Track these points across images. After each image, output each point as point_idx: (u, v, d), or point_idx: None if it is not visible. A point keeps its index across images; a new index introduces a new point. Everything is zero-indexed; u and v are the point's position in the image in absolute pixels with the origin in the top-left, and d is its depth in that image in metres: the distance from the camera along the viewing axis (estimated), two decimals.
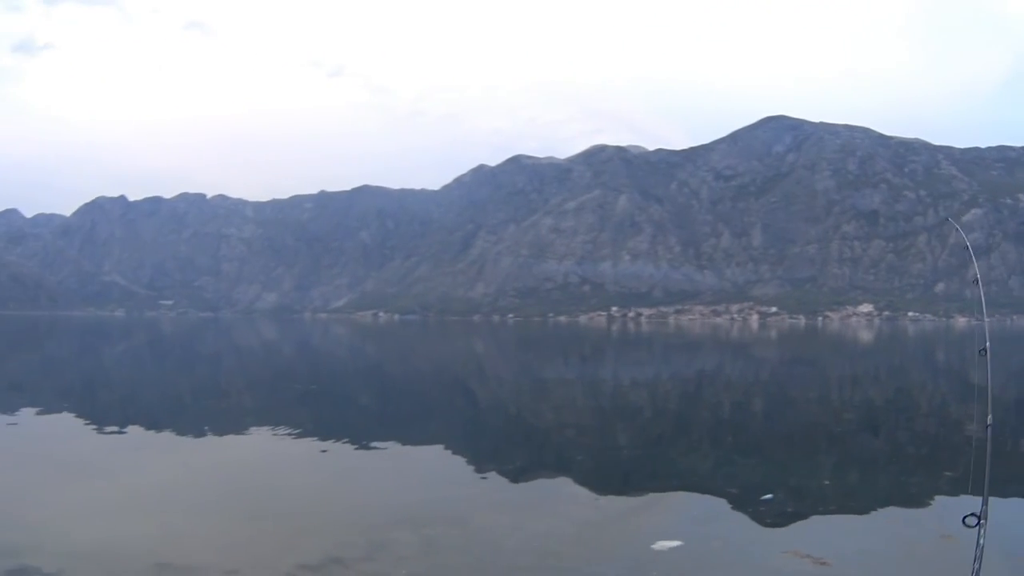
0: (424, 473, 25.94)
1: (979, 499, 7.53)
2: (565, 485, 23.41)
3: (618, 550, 16.81)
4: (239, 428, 35.48)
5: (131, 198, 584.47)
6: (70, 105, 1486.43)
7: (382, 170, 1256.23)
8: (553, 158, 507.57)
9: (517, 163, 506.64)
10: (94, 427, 35.92)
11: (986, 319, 9.58)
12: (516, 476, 24.83)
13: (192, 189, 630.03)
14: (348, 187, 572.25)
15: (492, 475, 25.26)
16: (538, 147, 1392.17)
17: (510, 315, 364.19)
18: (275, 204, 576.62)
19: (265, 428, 35.43)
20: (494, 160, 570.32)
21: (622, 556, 16.36)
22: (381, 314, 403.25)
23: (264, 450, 30.53)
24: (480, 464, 26.84)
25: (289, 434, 33.33)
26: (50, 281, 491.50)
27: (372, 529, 18.70)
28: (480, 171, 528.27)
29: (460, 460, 27.89)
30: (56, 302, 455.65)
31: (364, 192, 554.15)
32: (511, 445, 31.84)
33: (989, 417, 7.48)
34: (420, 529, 18.60)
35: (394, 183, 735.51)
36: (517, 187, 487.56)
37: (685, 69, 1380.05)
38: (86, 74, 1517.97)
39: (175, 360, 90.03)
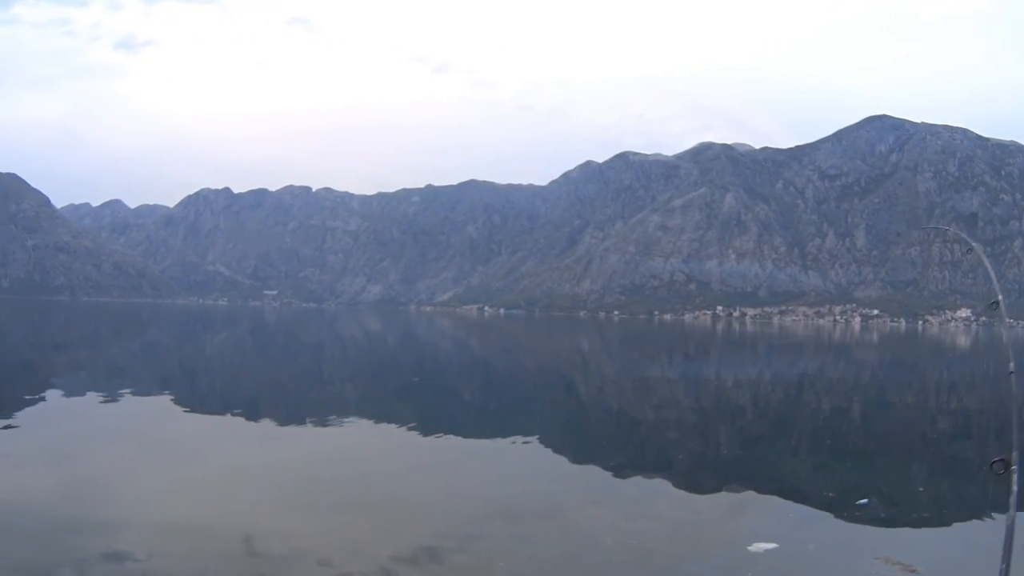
0: (522, 467, 26.04)
1: None
2: (663, 484, 23.32)
3: (713, 550, 16.83)
4: (339, 417, 35.90)
5: (235, 190, 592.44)
6: (173, 100, 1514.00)
7: (489, 164, 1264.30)
8: (660, 155, 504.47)
9: (624, 159, 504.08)
10: (193, 412, 36.85)
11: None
12: (614, 473, 24.76)
13: (297, 182, 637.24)
14: (455, 181, 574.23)
15: (590, 472, 25.30)
16: (644, 143, 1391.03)
17: (615, 312, 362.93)
18: (381, 197, 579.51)
19: (365, 418, 35.82)
20: (601, 156, 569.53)
21: (717, 557, 16.37)
22: (486, 308, 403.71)
23: (363, 440, 30.90)
24: (579, 460, 26.95)
25: (389, 425, 33.68)
26: (153, 270, 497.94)
27: (467, 521, 18.87)
28: (587, 167, 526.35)
29: (559, 456, 27.90)
30: (159, 290, 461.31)
31: (471, 186, 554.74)
32: (611, 442, 31.68)
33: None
34: (515, 523, 18.74)
35: (501, 177, 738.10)
36: (624, 183, 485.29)
37: (789, 66, 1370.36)
38: (188, 69, 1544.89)
39: (277, 349, 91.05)
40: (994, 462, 6.50)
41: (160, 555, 16.06)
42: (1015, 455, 6.44)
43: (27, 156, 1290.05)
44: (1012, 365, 8.37)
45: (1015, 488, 5.97)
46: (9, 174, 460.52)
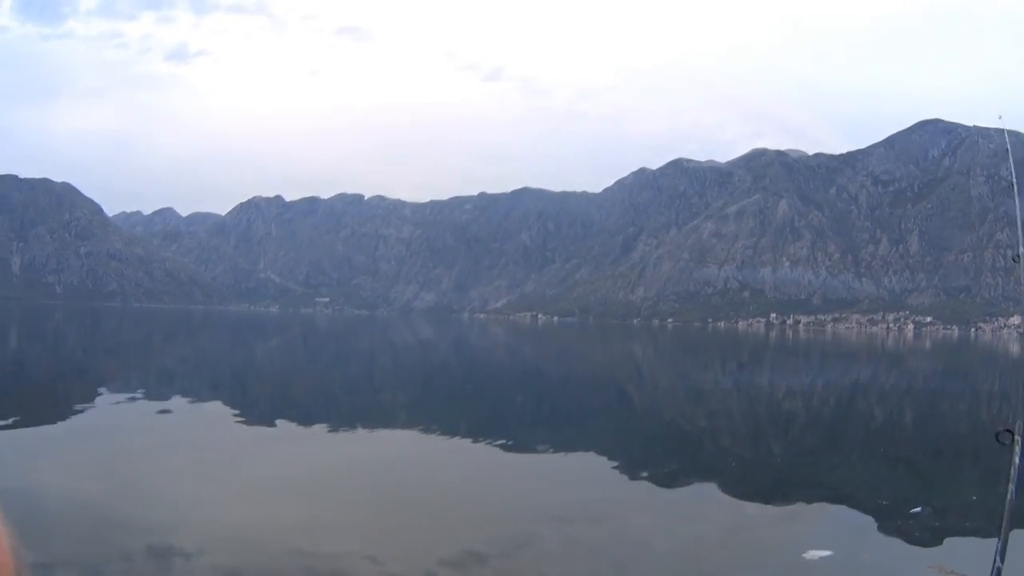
0: (574, 474, 26.00)
1: None
2: (716, 491, 23.19)
3: (767, 558, 16.81)
4: (390, 424, 36.25)
5: (287, 198, 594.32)
6: (224, 109, 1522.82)
7: (542, 172, 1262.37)
8: (713, 161, 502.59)
9: (678, 166, 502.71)
10: (244, 417, 37.04)
11: None
12: (667, 481, 24.69)
13: (349, 190, 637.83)
14: (508, 189, 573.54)
15: (643, 479, 25.22)
16: (697, 150, 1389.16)
17: (669, 320, 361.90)
18: (434, 205, 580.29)
19: (416, 425, 35.92)
20: (654, 163, 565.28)
21: (771, 563, 16.40)
22: (540, 316, 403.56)
23: (413, 446, 30.99)
24: (632, 468, 26.84)
25: (440, 431, 33.80)
26: (204, 277, 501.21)
27: (516, 527, 18.85)
28: (641, 174, 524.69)
29: (612, 463, 27.75)
30: (210, 297, 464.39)
31: (525, 194, 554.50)
32: (664, 450, 31.56)
33: None
34: (565, 528, 18.68)
35: (554, 185, 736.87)
36: (678, 190, 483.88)
37: (841, 71, 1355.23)
38: (240, 79, 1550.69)
39: (329, 355, 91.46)
40: (999, 432, 6.37)
41: (209, 554, 16.29)
42: (1019, 425, 6.40)
43: (80, 166, 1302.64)
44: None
45: (1016, 460, 5.91)
46: (63, 183, 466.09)
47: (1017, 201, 8.66)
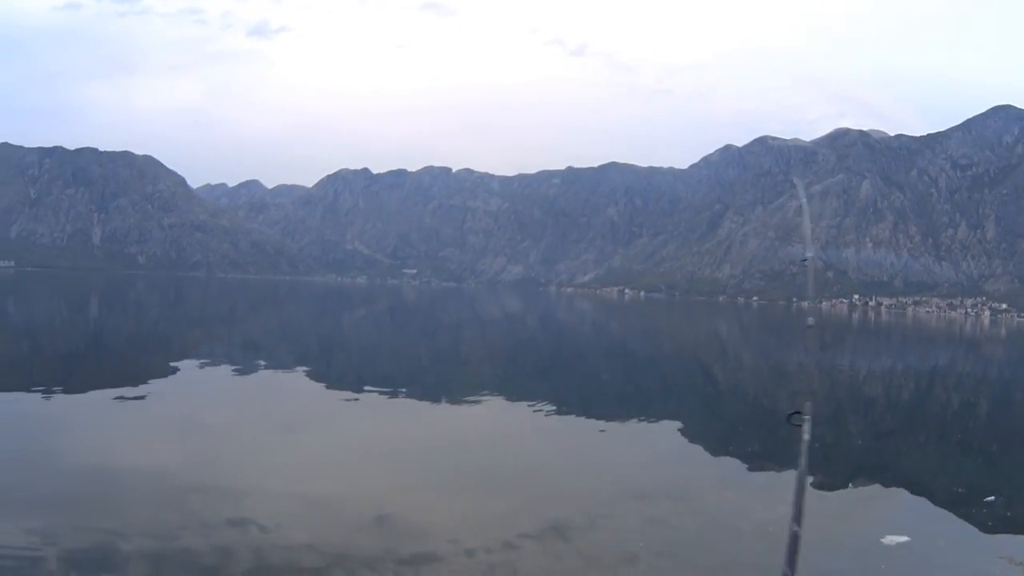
0: (656, 450, 26.20)
1: None
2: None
3: (847, 541, 16.75)
4: (475, 396, 36.30)
5: (374, 171, 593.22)
6: (308, 83, 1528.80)
7: (628, 147, 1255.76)
8: (798, 140, 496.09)
9: (764, 144, 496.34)
10: (328, 388, 37.60)
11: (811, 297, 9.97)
12: (748, 460, 24.87)
13: (436, 163, 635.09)
14: (595, 163, 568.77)
15: (723, 457, 25.53)
16: (782, 128, 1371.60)
17: (755, 298, 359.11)
18: (522, 179, 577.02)
19: (502, 397, 36.34)
20: (739, 140, 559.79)
21: (851, 547, 16.36)
22: (627, 291, 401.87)
23: (498, 419, 31.38)
24: (714, 446, 27.07)
25: (525, 404, 33.93)
26: (291, 248, 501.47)
27: (597, 503, 18.94)
28: (728, 151, 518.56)
29: (694, 440, 27.92)
30: (296, 268, 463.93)
31: (612, 169, 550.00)
32: (747, 428, 31.70)
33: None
34: (645, 505, 18.83)
35: (640, 160, 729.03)
36: (764, 168, 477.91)
37: (917, 55, 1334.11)
38: (323, 54, 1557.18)
39: (416, 327, 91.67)
40: (791, 415, 7.20)
41: (287, 524, 16.54)
42: (807, 406, 6.83)
43: (163, 139, 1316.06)
44: (811, 320, 8.83)
45: (805, 436, 6.38)
46: (145, 156, 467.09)
47: (804, 214, 9.19)
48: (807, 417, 6.67)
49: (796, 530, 5.72)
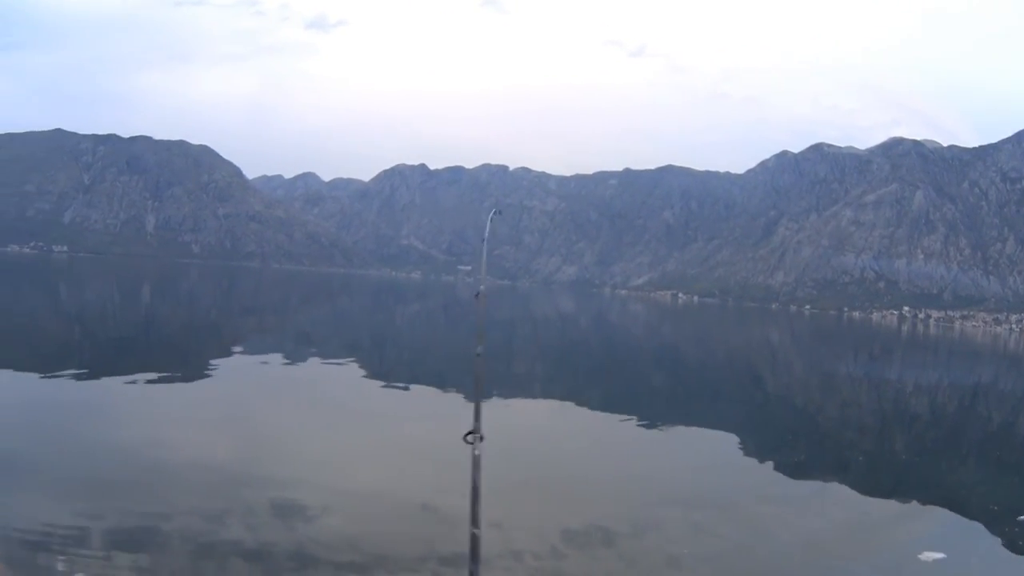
0: (703, 457, 26.32)
1: None
2: (839, 485, 23.19)
3: (883, 555, 16.84)
4: (526, 394, 36.88)
5: (431, 167, 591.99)
6: (366, 78, 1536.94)
7: (684, 150, 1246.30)
8: (853, 147, 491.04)
9: (819, 151, 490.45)
10: (378, 380, 38.07)
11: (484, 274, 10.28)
12: (794, 471, 24.93)
13: (493, 160, 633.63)
14: (651, 166, 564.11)
15: (769, 466, 25.54)
16: (836, 135, 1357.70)
17: (807, 306, 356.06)
18: (579, 179, 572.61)
19: (552, 396, 36.82)
20: (795, 146, 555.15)
21: (888, 561, 16.48)
22: (680, 295, 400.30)
23: (547, 417, 31.73)
24: (760, 454, 27.10)
25: (575, 405, 34.48)
26: (346, 241, 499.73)
27: (642, 506, 19.25)
28: (783, 157, 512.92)
29: (741, 448, 27.97)
30: (351, 261, 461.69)
31: (669, 172, 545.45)
32: (792, 438, 31.57)
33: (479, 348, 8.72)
34: (689, 511, 18.97)
35: (696, 163, 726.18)
36: (819, 176, 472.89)
37: (973, 65, 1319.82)
38: (381, 49, 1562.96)
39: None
40: (466, 435, 7.58)
41: (332, 514, 16.90)
42: (477, 425, 7.27)
43: (218, 130, 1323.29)
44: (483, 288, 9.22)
45: (476, 453, 6.82)
46: (200, 146, 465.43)
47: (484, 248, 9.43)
48: (479, 436, 7.78)
49: (476, 532, 6.25)
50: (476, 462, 6.45)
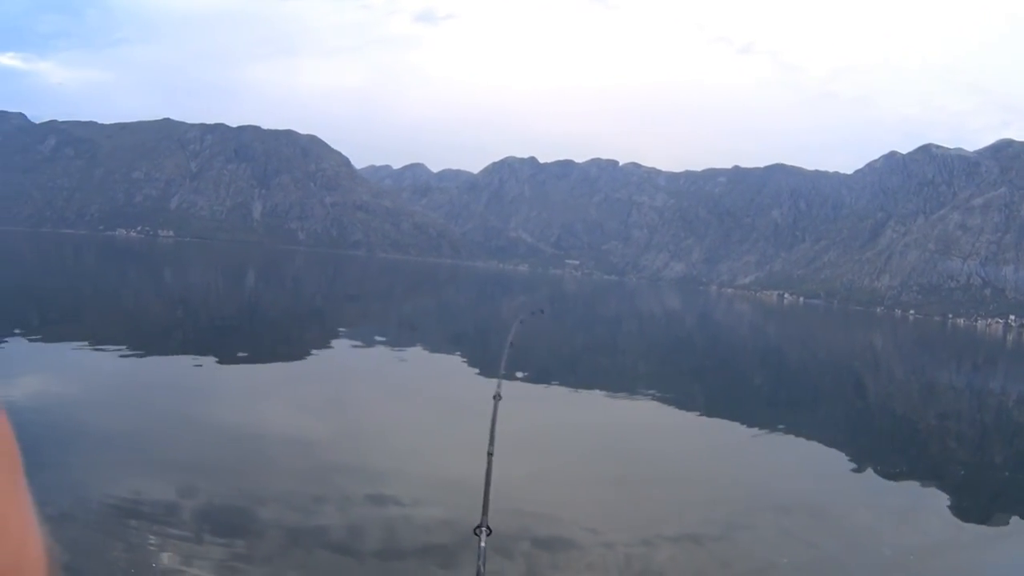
0: (799, 461, 26.07)
1: None
2: (935, 496, 22.85)
3: (977, 574, 16.63)
4: (627, 392, 36.54)
5: (541, 160, 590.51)
6: (474, 71, 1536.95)
7: (793, 148, 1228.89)
8: (962, 149, 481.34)
9: (927, 152, 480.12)
10: (479, 372, 38.12)
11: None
12: (891, 479, 24.61)
13: (602, 155, 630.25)
14: (760, 164, 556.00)
15: (866, 474, 25.19)
16: (944, 137, 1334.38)
17: (911, 311, 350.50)
18: (688, 176, 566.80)
19: (652, 395, 36.32)
20: (902, 146, 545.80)
21: None
22: (786, 295, 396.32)
23: (647, 415, 31.48)
24: (857, 460, 26.63)
25: (674, 404, 34.26)
26: (454, 232, 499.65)
27: (735, 510, 18.98)
28: (891, 158, 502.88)
29: (838, 453, 27.63)
30: (459, 252, 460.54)
31: (777, 170, 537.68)
32: (891, 446, 31.24)
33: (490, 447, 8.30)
34: (783, 517, 18.78)
35: (804, 162, 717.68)
36: (927, 177, 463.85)
37: None
38: (489, 43, 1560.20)
39: (575, 318, 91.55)
40: (476, 528, 7.02)
41: (424, 505, 17.03)
42: (483, 518, 6.92)
43: (326, 120, 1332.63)
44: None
45: (482, 545, 6.50)
46: (308, 135, 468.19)
47: None
48: (486, 530, 6.74)
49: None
50: (481, 553, 6.38)
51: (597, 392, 35.40)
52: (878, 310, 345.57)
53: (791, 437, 29.70)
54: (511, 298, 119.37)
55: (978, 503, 22.86)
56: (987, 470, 28.64)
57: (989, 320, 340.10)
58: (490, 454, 8.82)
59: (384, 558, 14.49)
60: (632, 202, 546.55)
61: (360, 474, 18.86)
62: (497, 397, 9.21)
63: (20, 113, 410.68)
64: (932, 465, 28.53)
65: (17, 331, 35.60)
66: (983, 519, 21.30)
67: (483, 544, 6.58)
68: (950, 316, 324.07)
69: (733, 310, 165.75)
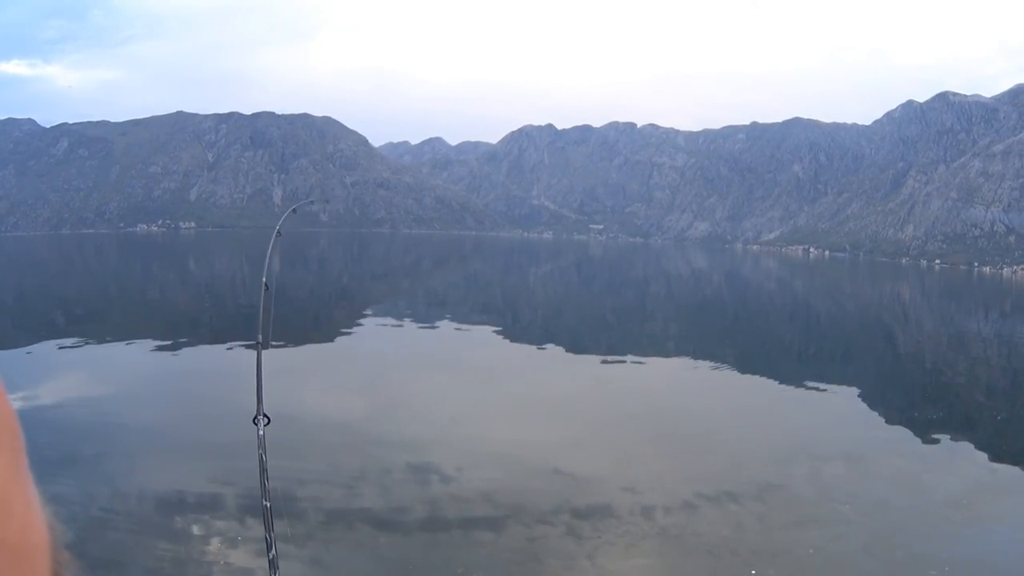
0: (833, 411, 26.69)
1: None
2: (969, 445, 23.14)
3: (1004, 525, 16.76)
4: (659, 352, 37.35)
5: (559, 127, 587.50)
6: (487, 41, 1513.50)
7: (810, 102, 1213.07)
8: (979, 96, 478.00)
9: (944, 100, 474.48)
10: (512, 340, 38.89)
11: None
12: (923, 428, 24.80)
13: (620, 119, 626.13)
14: (778, 119, 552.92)
15: (900, 423, 25.55)
16: (961, 84, 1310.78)
17: (936, 261, 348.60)
18: (707, 134, 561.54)
19: (684, 355, 37.02)
20: (920, 95, 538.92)
21: (1003, 534, 16.23)
22: (812, 250, 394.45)
23: (680, 375, 32.13)
24: (890, 410, 27.24)
25: (706, 362, 34.84)
26: (476, 204, 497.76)
27: (772, 463, 19.62)
28: (909, 107, 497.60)
29: (872, 404, 28.18)
30: (482, 223, 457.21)
31: (796, 125, 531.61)
32: (922, 396, 31.47)
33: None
34: (818, 466, 19.35)
35: (822, 115, 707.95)
36: (945, 125, 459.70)
37: None
38: (500, 11, 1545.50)
39: (601, 282, 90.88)
40: (255, 417, 7.65)
41: (466, 472, 17.59)
42: (260, 406, 7.72)
43: (341, 101, 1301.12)
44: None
45: (261, 432, 7.37)
46: (324, 117, 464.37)
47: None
48: (265, 418, 7.56)
49: (266, 504, 6.98)
50: (261, 441, 7.21)
51: (630, 356, 35.89)
52: (904, 261, 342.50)
53: (823, 391, 30.05)
54: (537, 266, 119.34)
55: (1008, 452, 22.98)
56: (1017, 419, 28.69)
57: (1015, 267, 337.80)
58: (259, 343, 9.56)
59: (430, 527, 14.99)
60: (652, 163, 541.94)
61: (401, 445, 19.41)
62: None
63: (29, 119, 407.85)
64: (963, 414, 28.84)
65: (48, 333, 36.55)
66: (1012, 468, 21.54)
67: (262, 432, 7.31)
68: (976, 264, 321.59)
69: (760, 267, 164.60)
